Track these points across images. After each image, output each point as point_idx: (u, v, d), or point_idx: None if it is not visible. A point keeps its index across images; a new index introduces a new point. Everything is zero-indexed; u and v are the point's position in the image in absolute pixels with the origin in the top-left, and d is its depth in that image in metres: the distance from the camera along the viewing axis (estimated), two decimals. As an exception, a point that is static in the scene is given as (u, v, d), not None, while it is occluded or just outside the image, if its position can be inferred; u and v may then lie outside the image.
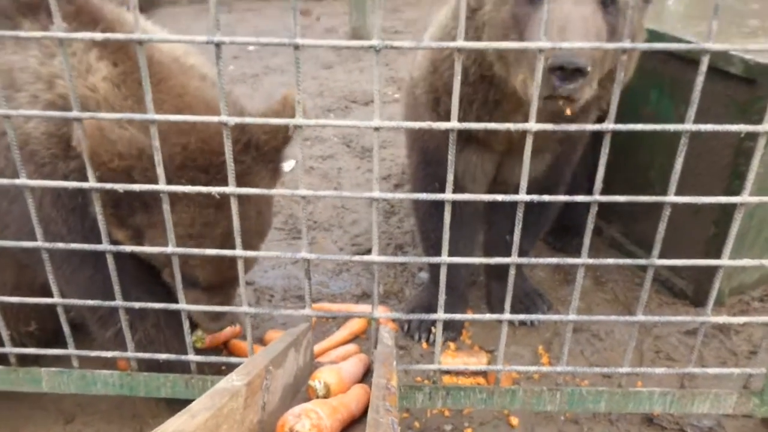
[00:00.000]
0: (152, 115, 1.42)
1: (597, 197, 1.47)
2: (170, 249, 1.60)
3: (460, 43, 1.28)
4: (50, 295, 1.74)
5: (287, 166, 3.60)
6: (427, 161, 2.41)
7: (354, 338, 2.59)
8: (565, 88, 1.58)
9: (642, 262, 1.59)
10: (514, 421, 2.16)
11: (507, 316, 1.67)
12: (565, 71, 1.50)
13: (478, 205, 2.52)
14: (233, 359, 1.94)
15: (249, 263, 2.07)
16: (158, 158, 1.46)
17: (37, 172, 1.65)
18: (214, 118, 1.43)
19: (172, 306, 1.73)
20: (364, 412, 1.40)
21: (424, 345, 2.58)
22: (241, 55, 6.34)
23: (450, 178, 1.44)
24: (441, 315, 1.67)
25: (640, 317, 1.68)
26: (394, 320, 2.63)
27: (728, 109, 2.42)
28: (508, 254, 1.61)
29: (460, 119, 1.41)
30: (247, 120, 1.48)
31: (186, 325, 1.78)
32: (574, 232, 3.06)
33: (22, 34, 1.42)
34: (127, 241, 1.70)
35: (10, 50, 1.70)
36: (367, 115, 4.87)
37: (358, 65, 6.12)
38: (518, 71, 1.76)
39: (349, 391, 1.49)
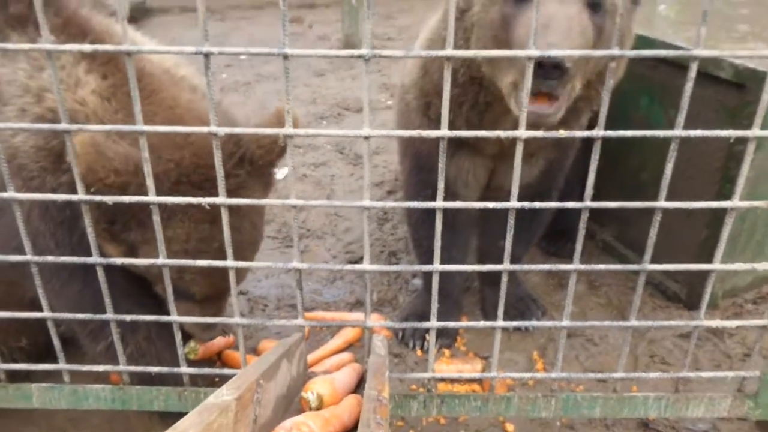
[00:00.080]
0: (141, 127, 1.41)
1: (588, 203, 1.47)
2: (161, 261, 1.59)
3: (449, 51, 1.27)
4: (40, 309, 1.73)
5: (280, 174, 3.59)
6: (419, 167, 2.41)
7: (348, 346, 2.59)
8: (546, 84, 1.58)
9: (634, 267, 1.59)
10: (510, 427, 2.16)
11: (500, 323, 1.66)
12: (545, 67, 1.50)
13: (471, 211, 2.51)
14: (226, 371, 1.93)
15: (242, 273, 2.06)
16: (147, 169, 1.45)
17: (25, 186, 1.64)
18: (204, 129, 1.42)
19: (164, 318, 1.71)
20: (357, 423, 1.39)
21: (419, 352, 2.57)
22: (234, 63, 6.34)
23: (441, 186, 1.44)
24: (434, 323, 1.67)
25: (634, 322, 1.68)
26: (388, 328, 2.62)
27: (719, 113, 2.43)
28: (502, 259, 1.61)
29: (450, 121, 1.41)
30: (237, 130, 1.47)
31: (178, 337, 1.77)
32: (568, 236, 3.06)
33: (9, 46, 1.40)
34: (119, 257, 1.69)
35: None
36: (359, 123, 4.87)
37: (350, 73, 6.13)
38: (507, 72, 1.76)
39: (342, 402, 1.48)
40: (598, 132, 1.38)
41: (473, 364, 2.40)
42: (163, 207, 1.64)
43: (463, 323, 1.72)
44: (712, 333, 2.58)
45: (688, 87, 1.34)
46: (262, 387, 1.28)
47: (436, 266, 1.57)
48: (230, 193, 1.50)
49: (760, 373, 1.78)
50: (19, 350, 2.06)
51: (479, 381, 2.33)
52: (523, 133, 1.38)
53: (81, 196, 1.51)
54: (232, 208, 1.74)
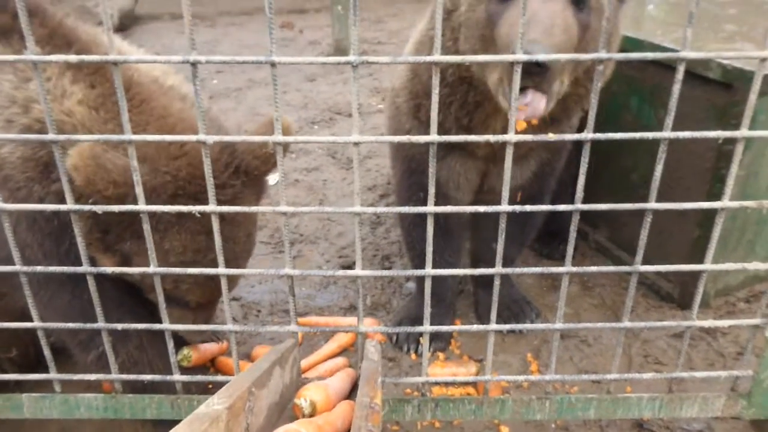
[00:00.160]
0: (129, 136, 1.40)
1: (579, 206, 1.47)
2: (152, 269, 1.58)
3: (436, 57, 1.27)
4: (30, 320, 1.72)
5: (272, 179, 3.58)
6: (411, 170, 2.41)
7: (342, 351, 2.58)
8: (532, 80, 1.59)
9: (626, 269, 1.59)
10: (505, 430, 2.16)
11: (493, 326, 1.66)
12: (527, 65, 1.50)
13: (464, 215, 2.51)
14: (219, 378, 1.92)
15: (235, 280, 2.06)
16: (137, 178, 1.45)
17: (11, 196, 1.63)
18: (193, 138, 1.42)
19: (156, 326, 1.70)
20: (351, 430, 1.39)
21: (413, 356, 2.56)
22: (224, 69, 6.33)
23: (431, 191, 1.44)
24: (427, 327, 1.66)
25: (627, 323, 1.68)
26: (382, 332, 2.62)
27: (708, 113, 2.44)
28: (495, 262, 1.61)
29: (440, 123, 1.41)
30: (226, 138, 1.46)
31: (170, 344, 1.76)
32: (561, 238, 3.07)
33: (-6, 57, 1.40)
34: (111, 266, 1.69)
35: None
36: (351, 127, 4.87)
37: (341, 77, 6.13)
38: (493, 69, 1.77)
39: (336, 408, 1.47)
40: (587, 135, 1.38)
41: (467, 367, 2.40)
42: (159, 219, 1.64)
43: (457, 326, 1.72)
44: (705, 332, 2.59)
45: (676, 89, 1.34)
46: (254, 395, 1.28)
47: (429, 270, 1.56)
48: (226, 204, 1.51)
49: (753, 372, 1.78)
50: (9, 361, 2.04)
51: (474, 384, 2.33)
52: (512, 137, 1.38)
53: (70, 206, 1.50)
54: (228, 220, 1.75)
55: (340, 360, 2.47)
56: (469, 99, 2.03)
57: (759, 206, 1.50)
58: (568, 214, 1.48)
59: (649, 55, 1.34)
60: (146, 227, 1.51)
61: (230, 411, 1.11)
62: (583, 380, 2.28)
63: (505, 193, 1.46)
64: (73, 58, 1.34)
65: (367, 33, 7.63)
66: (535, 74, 1.57)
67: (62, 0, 6.82)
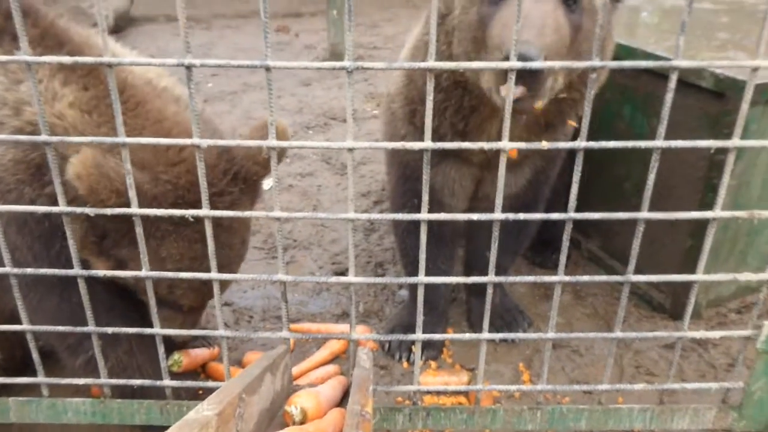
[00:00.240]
0: (123, 138, 1.39)
1: (572, 215, 1.47)
2: (144, 273, 1.57)
3: (431, 63, 1.27)
4: (18, 323, 1.70)
5: (266, 184, 3.57)
6: (406, 177, 2.41)
7: (334, 358, 2.57)
8: (524, 80, 1.58)
9: (617, 278, 1.59)
10: (496, 439, 2.15)
11: (485, 335, 1.66)
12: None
13: (458, 222, 2.51)
14: (210, 383, 1.90)
15: (227, 284, 2.06)
16: (130, 181, 1.44)
17: (2, 198, 1.62)
18: (187, 141, 1.41)
19: (147, 330, 1.69)
20: (342, 438, 1.38)
21: (405, 364, 2.56)
22: (220, 72, 6.33)
23: (425, 198, 1.43)
24: (420, 335, 1.66)
25: (618, 333, 1.68)
26: (374, 340, 2.61)
27: (700, 122, 2.45)
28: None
29: (435, 128, 1.40)
30: (220, 142, 1.46)
31: (161, 349, 1.75)
32: (553, 247, 3.07)
33: (-14, 57, 1.38)
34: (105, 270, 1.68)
35: None
36: (345, 132, 4.87)
37: (336, 82, 6.13)
38: (484, 70, 1.77)
39: (326, 415, 1.46)
40: (581, 143, 1.38)
41: (459, 376, 2.39)
42: (156, 227, 1.64)
43: (449, 335, 1.71)
44: (696, 343, 2.60)
45: (668, 97, 1.35)
46: (245, 401, 1.27)
47: (421, 278, 1.56)
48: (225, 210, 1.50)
49: (744, 384, 1.78)
50: (-5, 365, 2.02)
51: (465, 393, 2.32)
52: (506, 144, 1.38)
53: (62, 208, 1.49)
54: (225, 227, 1.74)
55: (332, 367, 2.46)
56: (464, 103, 2.03)
57: (750, 216, 1.50)
58: (561, 223, 1.48)
59: (642, 64, 1.35)
60: (139, 230, 1.50)
61: (220, 417, 1.10)
62: (575, 391, 2.28)
63: (499, 201, 1.45)
64: (67, 59, 1.33)
65: (363, 38, 7.64)
66: (527, 76, 1.57)
67: (57, 0, 6.81)
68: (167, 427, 1.00)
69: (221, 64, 1.33)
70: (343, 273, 3.14)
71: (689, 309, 1.64)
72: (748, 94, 1.37)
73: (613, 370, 2.47)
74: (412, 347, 2.57)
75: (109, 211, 1.48)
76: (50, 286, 1.74)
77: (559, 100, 1.92)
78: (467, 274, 2.76)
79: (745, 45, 2.71)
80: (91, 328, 1.67)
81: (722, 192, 1.47)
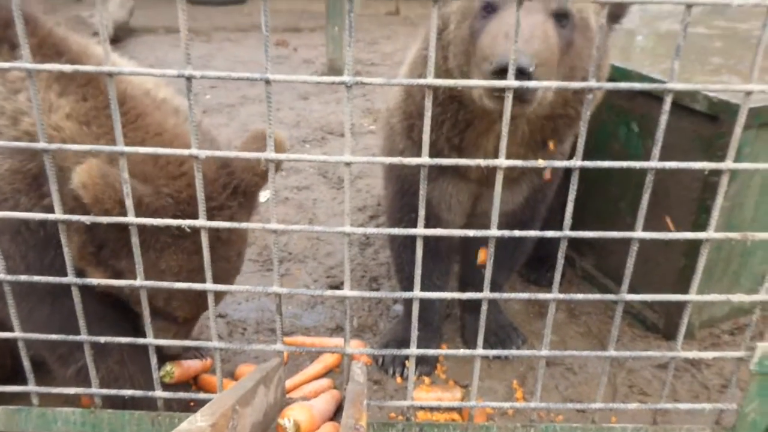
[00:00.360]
0: (121, 147, 1.40)
1: (567, 233, 1.48)
2: (138, 282, 1.57)
3: (430, 80, 1.29)
4: (8, 332, 1.69)
5: (263, 197, 3.58)
6: (403, 191, 2.42)
7: (328, 372, 2.56)
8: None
9: (611, 297, 1.60)
10: (488, 457, 2.14)
11: (480, 351, 1.66)
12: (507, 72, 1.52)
13: (453, 238, 2.52)
14: (202, 395, 1.90)
15: (221, 296, 2.05)
16: (127, 190, 1.44)
17: None
18: (185, 151, 1.42)
19: (140, 340, 1.68)
20: (334, 452, 1.38)
21: (399, 379, 2.55)
22: (218, 84, 6.35)
23: (422, 213, 1.44)
24: (413, 351, 1.66)
25: (612, 352, 1.68)
26: (368, 354, 2.60)
27: (694, 144, 2.48)
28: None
29: (432, 142, 1.42)
30: (218, 153, 1.47)
31: (153, 360, 1.74)
32: (548, 264, 3.07)
33: (-13, 66, 1.39)
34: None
35: None
36: (343, 147, 4.89)
37: (334, 96, 6.17)
38: (475, 77, 1.78)
39: (320, 429, 1.46)
40: (576, 162, 1.40)
41: (453, 392, 2.39)
42: (156, 239, 1.64)
43: (443, 351, 1.71)
44: (689, 364, 2.60)
45: (663, 119, 1.37)
46: (238, 413, 1.26)
47: (416, 293, 1.56)
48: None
49: (737, 406, 1.78)
50: (-16, 374, 2.00)
51: (458, 410, 2.31)
52: (503, 162, 1.39)
53: (58, 215, 1.49)
54: (223, 240, 1.74)
55: (325, 381, 2.45)
56: (459, 117, 2.05)
57: (743, 238, 1.52)
58: (556, 241, 1.49)
59: (637, 86, 1.37)
60: (134, 240, 1.50)
61: (213, 428, 1.10)
62: (568, 409, 2.27)
63: (495, 218, 1.47)
64: (68, 67, 1.34)
65: (361, 54, 7.69)
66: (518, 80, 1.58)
67: (57, 9, 6.84)
68: None
69: (222, 76, 1.34)
70: (338, 287, 3.13)
71: (682, 329, 1.65)
72: (742, 118, 1.40)
73: (607, 389, 2.47)
74: (406, 362, 2.56)
75: (104, 219, 1.49)
76: (42, 296, 1.73)
77: (555, 117, 1.94)
78: (462, 290, 2.77)
79: (738, 69, 2.75)
80: (83, 337, 1.67)
81: (716, 213, 1.49)
